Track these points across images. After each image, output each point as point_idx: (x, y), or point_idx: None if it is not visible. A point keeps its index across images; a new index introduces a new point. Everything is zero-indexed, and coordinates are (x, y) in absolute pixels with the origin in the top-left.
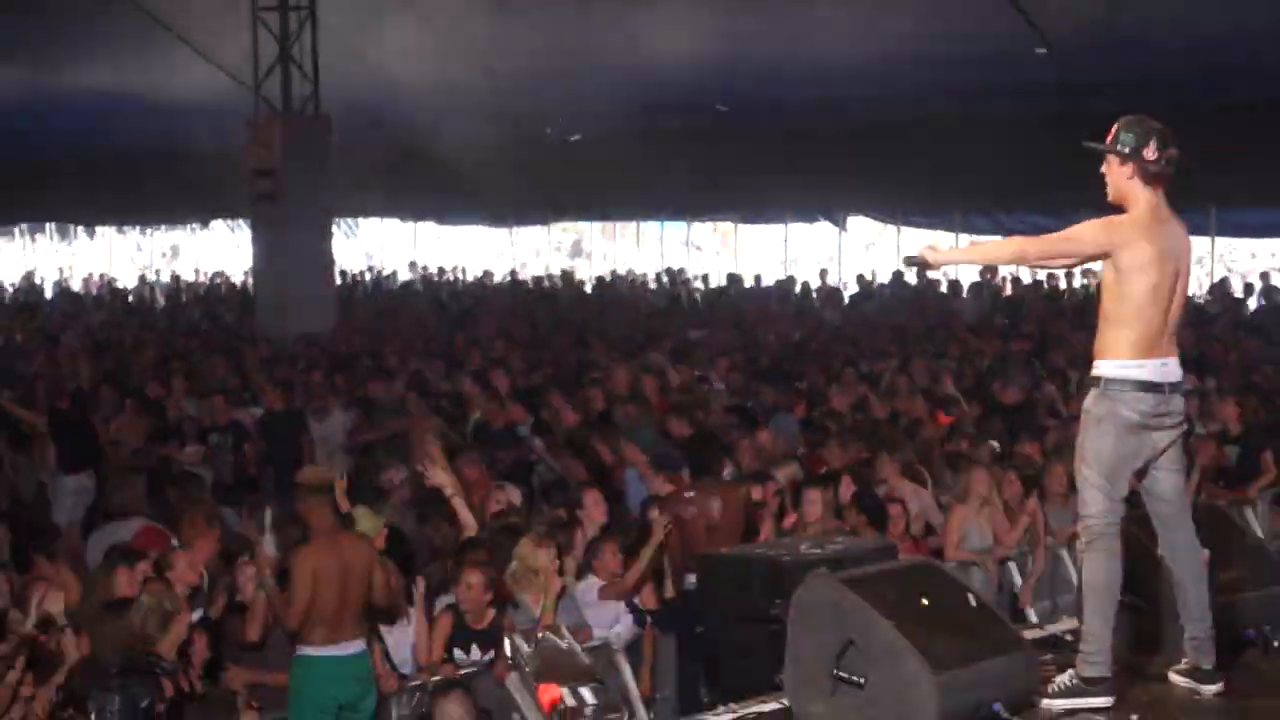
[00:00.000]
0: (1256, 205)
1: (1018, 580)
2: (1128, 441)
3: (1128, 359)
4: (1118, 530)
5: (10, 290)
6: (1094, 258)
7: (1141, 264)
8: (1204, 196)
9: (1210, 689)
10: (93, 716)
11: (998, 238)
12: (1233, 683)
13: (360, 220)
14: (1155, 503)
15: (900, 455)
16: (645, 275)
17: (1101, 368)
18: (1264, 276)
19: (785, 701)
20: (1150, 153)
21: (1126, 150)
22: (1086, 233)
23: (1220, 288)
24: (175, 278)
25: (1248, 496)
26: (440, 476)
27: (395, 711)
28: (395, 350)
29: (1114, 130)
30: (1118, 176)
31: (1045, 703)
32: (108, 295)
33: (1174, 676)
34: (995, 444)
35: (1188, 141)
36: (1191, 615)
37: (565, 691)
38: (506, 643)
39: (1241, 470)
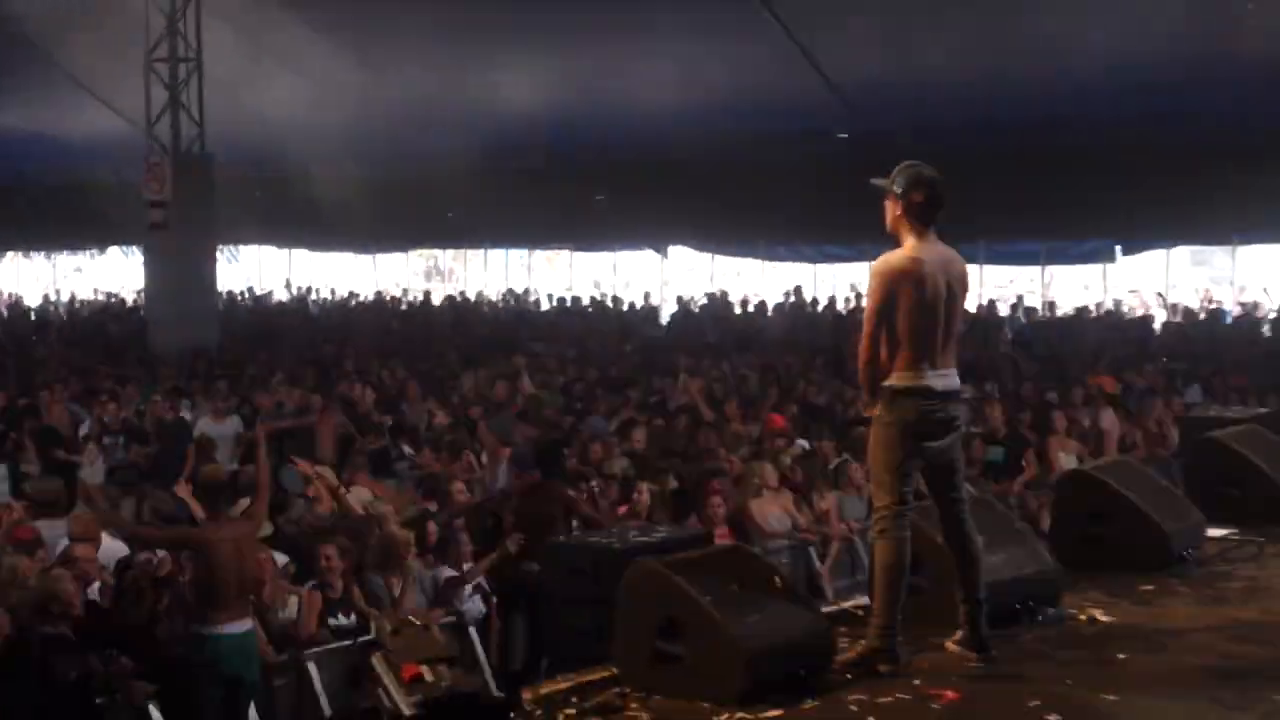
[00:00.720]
0: (1017, 237)
1: (816, 562)
2: (913, 443)
3: (910, 371)
4: (906, 520)
5: None
6: (889, 300)
7: (911, 292)
8: (974, 229)
9: (983, 656)
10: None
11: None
12: (1001, 652)
13: (241, 247)
14: (938, 496)
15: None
16: (488, 295)
17: (889, 380)
18: (1019, 299)
19: (615, 670)
20: (918, 195)
21: (899, 191)
22: (875, 304)
23: (989, 309)
24: (73, 297)
25: (1013, 490)
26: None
27: (275, 680)
28: (273, 361)
29: (892, 173)
30: (891, 213)
31: (841, 669)
32: (12, 312)
33: (951, 646)
34: (805, 443)
35: (962, 181)
36: (967, 593)
37: (424, 669)
38: (372, 625)
39: (1008, 467)
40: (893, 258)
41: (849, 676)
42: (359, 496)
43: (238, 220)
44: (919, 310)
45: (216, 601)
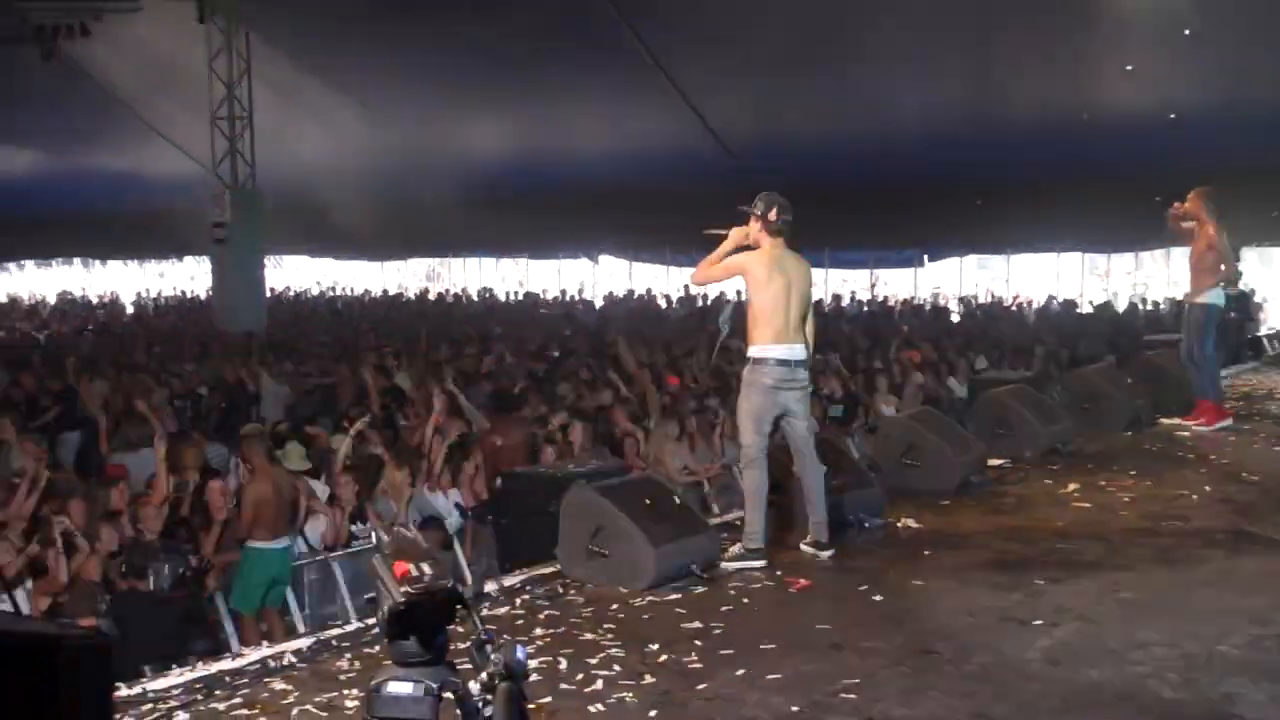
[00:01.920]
0: (852, 247)
1: (706, 486)
2: (768, 398)
3: (765, 344)
4: (765, 455)
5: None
6: (734, 275)
7: (763, 285)
8: (821, 241)
9: (826, 554)
10: (150, 579)
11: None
12: (839, 550)
13: (283, 257)
14: (791, 437)
15: (629, 407)
16: (469, 292)
17: (751, 351)
18: (852, 294)
19: (559, 567)
20: (772, 215)
21: (758, 212)
22: (732, 266)
23: (833, 301)
24: (158, 294)
25: (849, 431)
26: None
27: (306, 577)
28: (307, 340)
29: (755, 199)
30: (752, 229)
31: (723, 564)
32: (115, 306)
33: (804, 547)
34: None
35: (812, 206)
36: (815, 508)
37: (411, 566)
38: (372, 535)
39: (846, 417)
40: (754, 253)
41: (730, 569)
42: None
43: (280, 236)
44: (768, 298)
45: (264, 525)
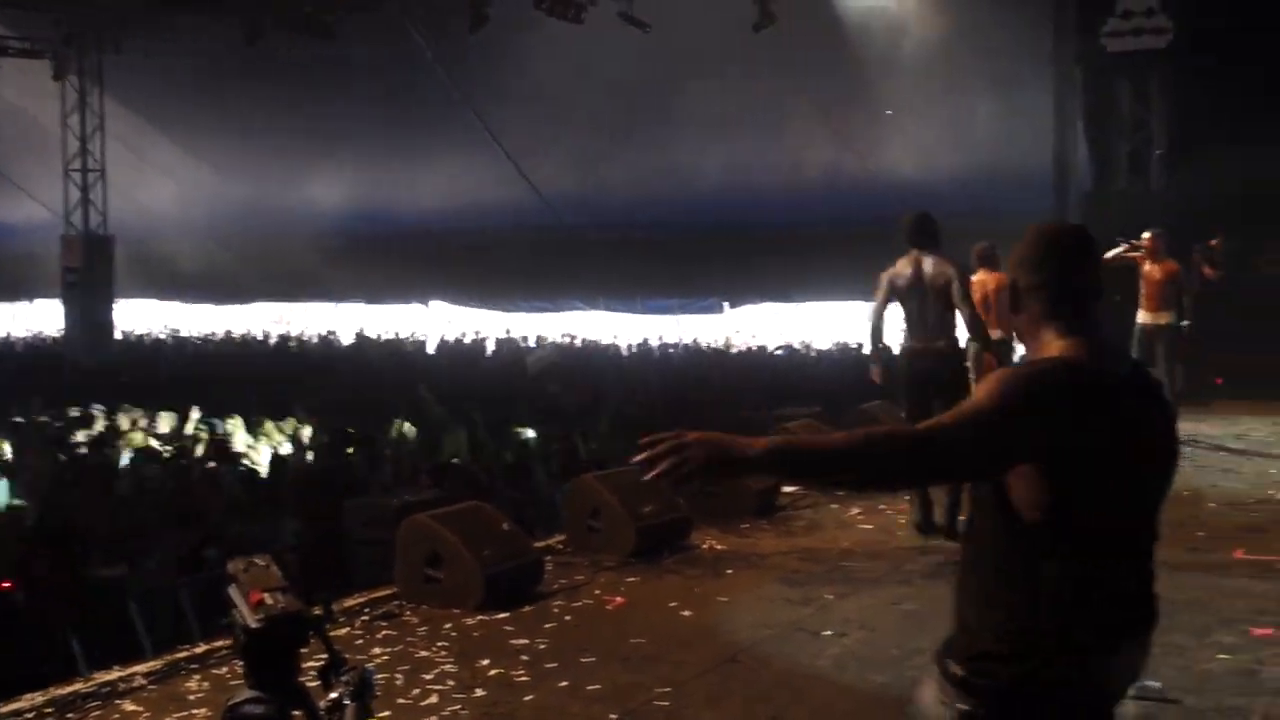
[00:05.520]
0: (661, 296)
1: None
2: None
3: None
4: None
5: None
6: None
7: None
8: (633, 291)
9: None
10: None
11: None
12: (648, 572)
13: (133, 300)
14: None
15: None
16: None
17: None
18: (660, 338)
19: (395, 589)
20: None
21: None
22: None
23: (641, 345)
24: (9, 334)
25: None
26: None
27: (155, 601)
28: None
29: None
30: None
31: None
32: None
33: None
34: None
35: (626, 261)
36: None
37: (266, 594)
38: (229, 566)
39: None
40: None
41: (555, 588)
42: None
43: (129, 280)
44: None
45: (118, 548)
